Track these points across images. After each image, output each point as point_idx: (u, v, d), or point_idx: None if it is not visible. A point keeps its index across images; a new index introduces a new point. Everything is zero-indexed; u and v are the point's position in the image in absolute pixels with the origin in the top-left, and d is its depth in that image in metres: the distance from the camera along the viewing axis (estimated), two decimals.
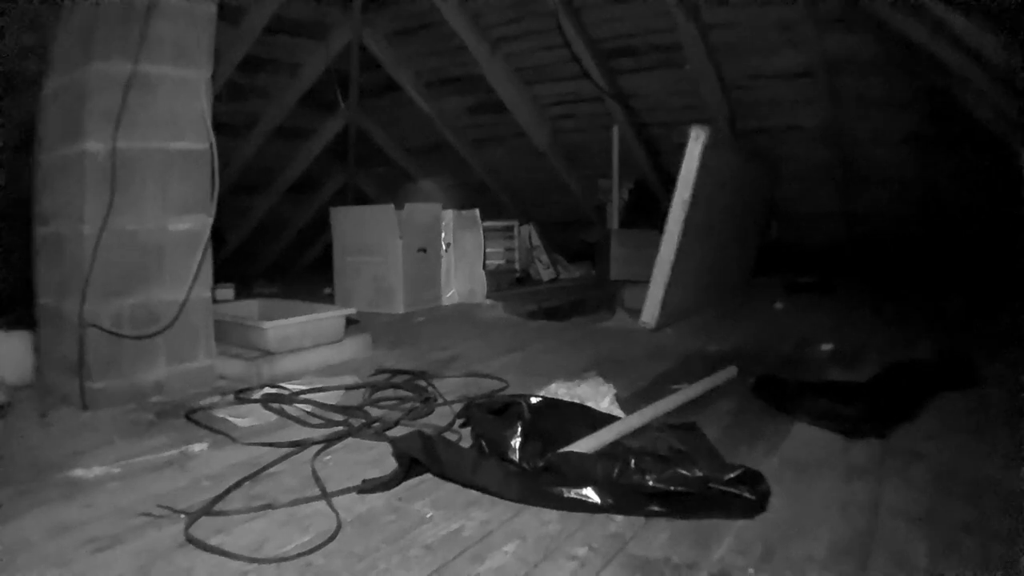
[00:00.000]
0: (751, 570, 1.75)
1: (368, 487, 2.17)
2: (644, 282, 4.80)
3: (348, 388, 3.37)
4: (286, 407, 3.05)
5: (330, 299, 6.26)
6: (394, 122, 8.71)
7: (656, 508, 2.04)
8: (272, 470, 2.38)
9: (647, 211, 7.66)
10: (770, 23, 6.13)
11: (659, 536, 1.93)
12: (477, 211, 6.42)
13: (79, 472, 2.36)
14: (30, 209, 3.51)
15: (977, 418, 3.01)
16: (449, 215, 6.17)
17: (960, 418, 3.01)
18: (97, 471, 2.37)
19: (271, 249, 9.55)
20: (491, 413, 2.55)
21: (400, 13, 7.16)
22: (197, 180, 3.43)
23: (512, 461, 2.22)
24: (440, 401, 3.16)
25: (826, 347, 4.28)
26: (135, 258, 3.24)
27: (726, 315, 5.55)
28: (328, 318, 4.12)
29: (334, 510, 2.02)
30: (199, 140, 3.42)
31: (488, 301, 6.03)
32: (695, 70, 6.63)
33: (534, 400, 2.62)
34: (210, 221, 3.43)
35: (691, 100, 7.03)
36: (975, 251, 7.17)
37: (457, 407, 2.97)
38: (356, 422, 2.83)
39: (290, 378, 3.56)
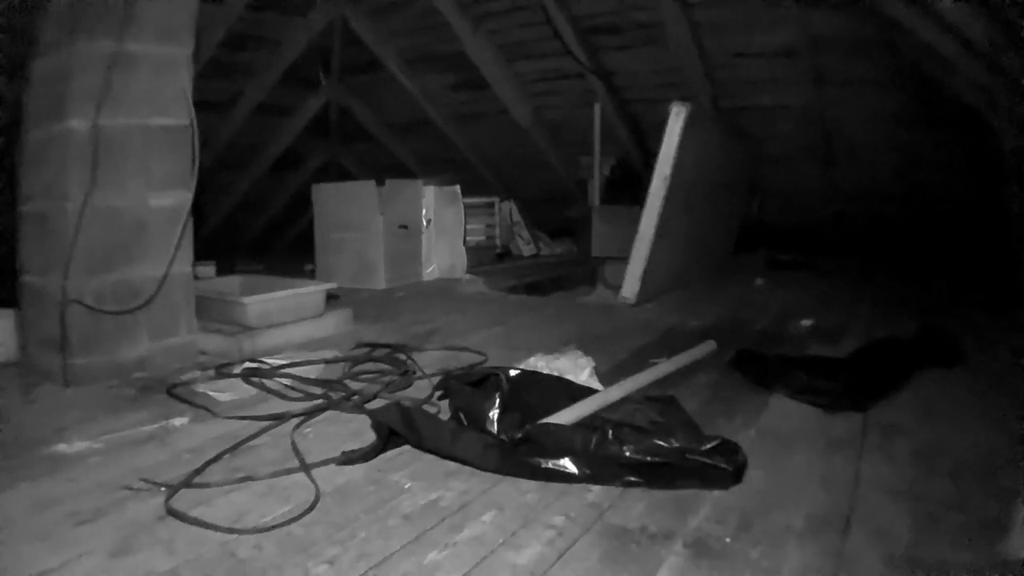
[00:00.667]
0: (728, 539, 1.78)
1: (347, 459, 2.20)
2: (626, 258, 4.82)
3: (328, 362, 3.39)
4: (266, 381, 3.06)
5: (312, 275, 6.26)
6: (376, 99, 8.66)
7: (633, 478, 2.07)
8: (252, 443, 2.39)
9: (629, 188, 7.65)
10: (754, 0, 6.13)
11: (636, 506, 1.96)
12: (458, 187, 6.42)
13: (62, 447, 2.37)
14: (15, 189, 3.50)
15: (960, 395, 3.03)
16: (430, 191, 6.17)
17: (942, 395, 3.03)
18: (79, 446, 2.38)
19: (254, 226, 9.53)
20: (470, 385, 2.57)
21: None
22: (178, 156, 3.42)
23: (490, 433, 2.24)
24: (419, 374, 3.18)
25: (806, 323, 4.31)
26: (117, 234, 3.24)
27: (707, 291, 5.58)
28: (308, 293, 4.13)
29: (313, 481, 2.04)
30: (180, 116, 3.41)
31: (468, 276, 6.05)
32: (678, 48, 6.60)
33: (513, 372, 2.63)
34: (190, 197, 3.43)
35: (673, 78, 6.99)
36: (957, 231, 7.22)
37: (436, 380, 2.98)
38: (336, 395, 2.86)
39: (271, 353, 3.57)
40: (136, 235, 3.30)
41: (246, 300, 3.77)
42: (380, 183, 5.81)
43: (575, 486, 2.06)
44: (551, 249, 8.00)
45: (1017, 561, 1.76)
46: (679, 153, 4.63)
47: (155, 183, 3.35)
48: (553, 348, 3.49)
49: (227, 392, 2.93)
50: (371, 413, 2.45)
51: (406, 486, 2.06)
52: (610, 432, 2.14)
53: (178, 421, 2.61)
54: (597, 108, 7.43)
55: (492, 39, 7.24)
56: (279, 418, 2.59)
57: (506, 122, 8.06)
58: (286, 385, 3.02)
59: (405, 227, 5.88)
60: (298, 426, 2.53)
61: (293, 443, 2.33)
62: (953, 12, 3.58)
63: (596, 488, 2.05)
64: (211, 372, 3.26)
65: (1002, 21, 3.42)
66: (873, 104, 6.60)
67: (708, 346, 3.51)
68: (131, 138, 3.26)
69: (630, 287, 4.77)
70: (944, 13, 3.66)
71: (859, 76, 6.39)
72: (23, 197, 3.43)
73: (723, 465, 2.08)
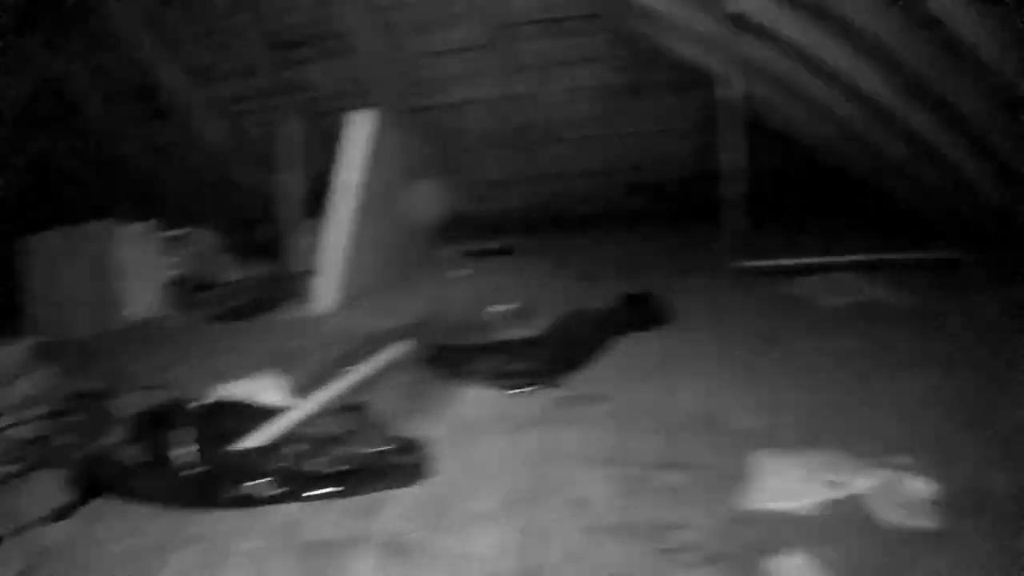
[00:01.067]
0: (419, 533, 1.90)
1: (56, 516, 2.18)
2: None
3: (33, 420, 3.21)
4: None
5: (23, 327, 5.85)
6: (79, 140, 8.19)
7: (327, 490, 2.14)
8: None
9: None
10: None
11: (329, 516, 2.03)
12: (152, 223, 6.18)
13: None
14: None
15: (659, 353, 3.25)
16: (125, 231, 5.91)
17: (638, 357, 3.23)
18: None
19: None
20: (158, 423, 2.56)
21: (79, 30, 6.78)
22: None
23: (178, 468, 2.25)
24: (115, 418, 3.08)
25: (501, 307, 4.46)
26: None
27: (406, 289, 5.59)
28: (12, 353, 3.96)
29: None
30: None
31: (168, 313, 5.83)
32: (370, 53, 6.69)
33: (204, 403, 2.68)
34: None
35: (366, 84, 7.03)
36: (669, 193, 7.71)
37: (130, 423, 2.92)
38: (45, 452, 2.79)
39: None
40: None
41: None
42: (74, 227, 5.53)
43: (271, 507, 2.09)
44: (250, 271, 7.81)
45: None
46: (363, 160, 4.68)
47: None
48: (251, 370, 3.46)
49: None
50: (69, 467, 2.42)
51: (101, 536, 2.04)
52: (300, 448, 2.23)
53: None
54: (293, 124, 7.35)
55: (182, 65, 7.08)
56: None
57: (201, 147, 7.89)
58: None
59: (102, 269, 5.61)
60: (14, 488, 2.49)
61: (10, 507, 2.29)
62: None
63: (294, 506, 2.09)
64: None
65: None
66: (578, 82, 6.93)
67: (405, 346, 3.58)
68: None
69: (326, 297, 4.81)
70: None
71: (559, 58, 6.67)
72: None
73: (408, 463, 2.20)
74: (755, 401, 2.64)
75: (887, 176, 5.84)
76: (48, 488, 2.42)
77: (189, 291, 6.56)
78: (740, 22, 4.37)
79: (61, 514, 2.17)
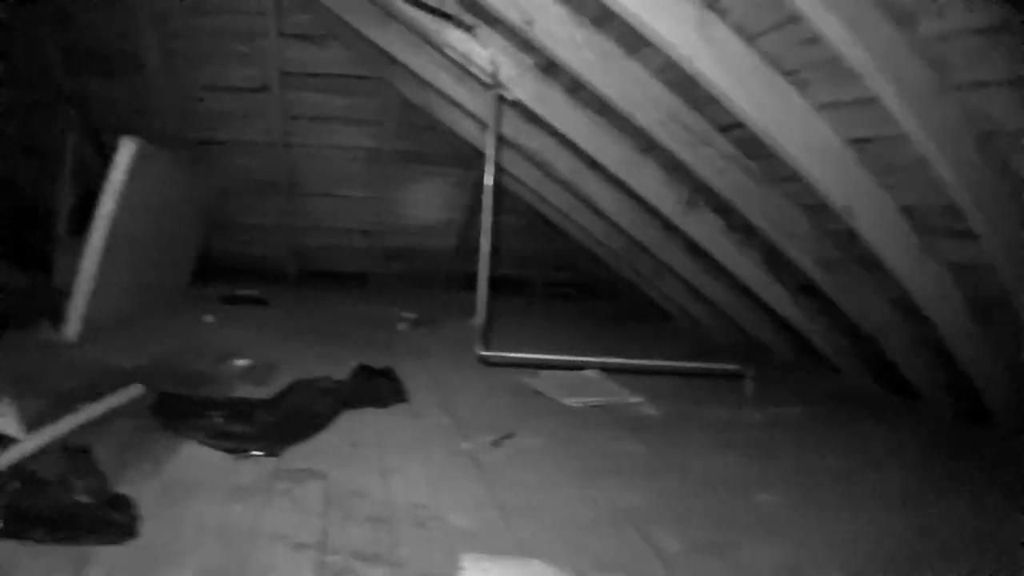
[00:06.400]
0: None
1: None
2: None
3: None
4: None
5: None
6: None
7: (35, 535, 2.10)
8: None
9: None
10: (233, 33, 6.42)
11: (34, 565, 2.00)
12: None
13: None
14: None
15: (390, 436, 3.37)
16: None
17: (368, 436, 3.33)
18: None
19: None
20: None
21: None
22: None
23: None
24: None
25: (242, 362, 4.53)
26: None
27: (154, 327, 5.55)
28: None
29: None
30: None
31: None
32: (153, 78, 6.70)
33: None
34: None
35: (146, 106, 7.06)
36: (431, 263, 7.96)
37: None
38: None
39: None
40: None
41: None
42: None
43: None
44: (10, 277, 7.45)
45: None
46: (126, 188, 4.69)
47: None
48: None
49: None
50: None
51: None
52: (10, 487, 2.22)
53: None
54: (71, 137, 7.19)
55: None
56: None
57: None
58: None
59: None
60: None
61: None
62: None
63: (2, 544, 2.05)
64: None
65: None
66: (348, 140, 7.32)
67: (135, 389, 3.57)
68: None
69: (72, 326, 4.70)
70: None
71: (335, 114, 7.03)
72: None
73: (118, 519, 2.20)
74: (475, 499, 2.74)
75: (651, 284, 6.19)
76: None
77: None
78: (516, 107, 4.64)
79: None
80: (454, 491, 2.80)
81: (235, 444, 3.03)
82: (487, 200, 4.34)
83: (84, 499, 2.25)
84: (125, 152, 4.69)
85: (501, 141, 4.73)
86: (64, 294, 5.95)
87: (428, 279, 8.48)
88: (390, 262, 8.51)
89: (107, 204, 4.66)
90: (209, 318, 6.03)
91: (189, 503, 2.48)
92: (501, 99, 4.39)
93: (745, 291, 5.17)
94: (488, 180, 4.37)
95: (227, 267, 8.00)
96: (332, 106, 7.03)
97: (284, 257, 8.39)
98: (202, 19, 6.35)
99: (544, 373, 4.68)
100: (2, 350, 4.55)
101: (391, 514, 2.52)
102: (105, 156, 7.42)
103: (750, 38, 3.07)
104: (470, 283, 4.95)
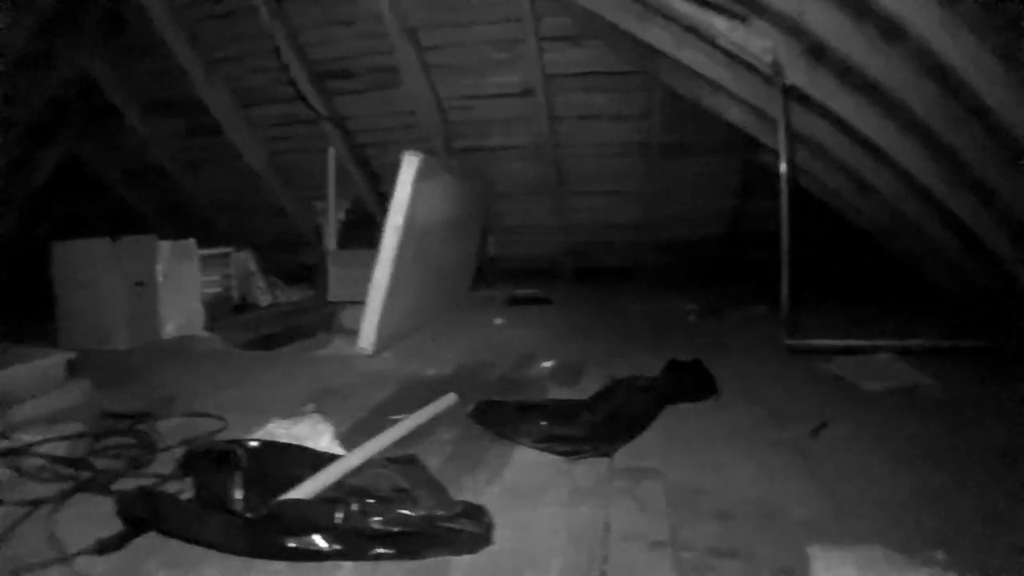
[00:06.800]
0: None
1: (101, 547, 2.06)
2: (362, 302, 4.73)
3: (70, 438, 3.09)
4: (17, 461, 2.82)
5: (55, 336, 5.79)
6: (113, 148, 8.21)
7: (383, 550, 2.01)
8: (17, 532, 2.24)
9: (364, 230, 7.62)
10: (489, 41, 6.27)
11: None
12: (192, 241, 6.10)
13: None
14: None
15: (709, 428, 3.12)
16: (165, 246, 5.81)
17: (690, 431, 3.10)
18: None
19: None
20: (211, 460, 2.42)
21: (125, 38, 6.79)
22: None
23: (235, 512, 2.11)
24: (161, 447, 2.97)
25: (547, 364, 4.34)
26: None
27: (445, 334, 5.51)
28: (48, 364, 3.82)
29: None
30: None
31: (205, 333, 5.75)
32: (411, 91, 6.65)
33: (253, 444, 2.50)
34: None
35: (407, 120, 7.06)
36: (700, 253, 7.66)
37: (179, 452, 2.81)
38: (84, 475, 2.66)
39: (12, 430, 3.22)
40: None
41: None
42: (115, 239, 5.42)
43: (327, 564, 1.99)
44: (288, 296, 7.73)
45: None
46: (412, 201, 4.64)
47: None
48: (292, 408, 3.38)
49: None
50: (116, 499, 2.27)
51: (160, 573, 1.95)
52: (355, 504, 2.07)
53: None
54: (331, 152, 7.37)
55: (226, 84, 7.06)
56: (35, 504, 2.40)
57: (240, 168, 7.87)
58: (37, 467, 2.78)
59: (141, 284, 5.52)
60: (55, 511, 2.34)
61: (52, 533, 2.17)
62: None
63: (347, 565, 1.98)
64: None
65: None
66: (612, 136, 6.92)
67: (449, 398, 3.44)
68: None
69: (367, 337, 4.67)
70: None
71: (597, 111, 6.68)
72: None
73: (471, 529, 2.06)
74: (807, 489, 2.54)
75: (928, 260, 5.76)
76: (87, 516, 2.31)
77: (226, 312, 6.50)
78: (792, 93, 4.31)
79: (108, 546, 2.06)
80: (786, 482, 2.62)
81: (567, 447, 2.86)
82: (783, 188, 4.29)
83: (431, 511, 2.07)
84: (409, 166, 4.65)
85: (782, 128, 4.44)
86: (338, 305, 6.06)
87: (697, 270, 8.13)
88: (662, 254, 8.21)
89: (395, 217, 4.62)
90: (499, 320, 5.96)
91: (535, 507, 2.37)
92: (786, 88, 4.18)
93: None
94: (782, 168, 4.32)
95: (503, 269, 8.00)
96: (596, 104, 6.79)
97: (558, 255, 8.26)
98: (455, 31, 6.26)
99: (838, 359, 4.33)
100: (301, 364, 4.65)
101: (733, 508, 2.38)
102: (368, 170, 7.62)
103: None
104: (739, 270, 4.65)
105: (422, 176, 4.68)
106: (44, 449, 2.95)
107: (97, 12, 6.58)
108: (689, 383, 3.71)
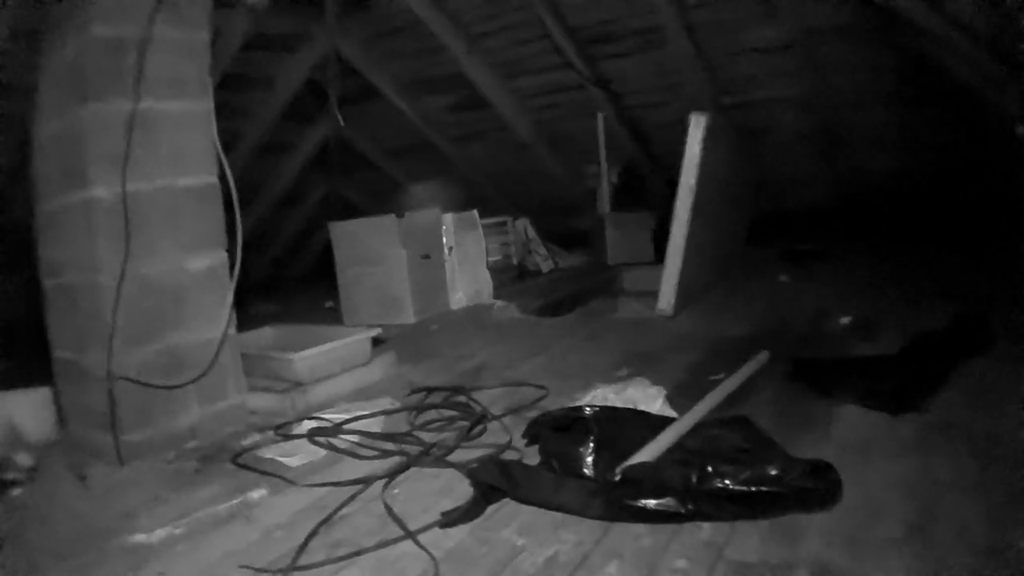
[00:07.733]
0: (842, 560, 1.78)
1: (449, 520, 2.11)
2: (641, 264, 4.78)
3: (389, 413, 3.26)
4: (333, 440, 2.95)
5: (332, 313, 6.20)
6: (375, 127, 8.65)
7: (738, 510, 2.03)
8: (343, 512, 2.29)
9: (636, 193, 7.67)
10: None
11: (749, 540, 1.93)
12: (475, 212, 6.36)
13: (140, 537, 2.23)
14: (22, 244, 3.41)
15: (999, 382, 2.99)
16: (449, 219, 6.09)
17: (982, 382, 3.00)
18: (160, 533, 2.25)
19: (259, 265, 9.43)
20: (556, 428, 2.53)
21: (374, 18, 7.10)
22: (209, 214, 3.33)
23: (588, 477, 2.20)
24: (490, 417, 3.05)
25: (844, 320, 4.24)
26: (153, 302, 3.10)
27: (734, 293, 5.48)
28: (356, 342, 4.01)
29: (425, 549, 1.97)
30: (206, 174, 3.31)
31: (497, 302, 5.96)
32: (676, 50, 6.61)
33: (595, 410, 2.60)
34: (226, 256, 3.36)
35: (673, 80, 7.01)
36: (961, 203, 7.22)
37: (507, 421, 2.94)
38: (412, 450, 2.76)
39: (323, 407, 3.43)
40: (174, 301, 3.18)
41: (295, 356, 3.62)
42: (399, 215, 5.73)
43: (685, 525, 2.01)
44: (567, 261, 7.88)
45: None
46: (702, 161, 4.66)
47: (188, 245, 3.24)
48: (606, 373, 3.47)
49: (295, 456, 2.83)
50: (469, 472, 2.37)
51: (518, 543, 2.00)
52: (708, 466, 2.11)
53: (256, 494, 2.50)
54: (600, 117, 7.43)
55: (487, 58, 7.26)
56: (364, 482, 2.48)
57: (507, 139, 8.13)
58: (354, 443, 2.92)
59: (428, 257, 5.80)
60: (385, 488, 2.43)
61: (389, 508, 2.24)
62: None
63: (705, 525, 2.01)
64: (269, 434, 3.14)
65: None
66: (870, 87, 6.61)
67: (762, 358, 3.43)
68: (158, 201, 3.13)
69: (666, 299, 4.72)
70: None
71: (855, 62, 6.40)
72: (45, 269, 3.31)
73: (821, 486, 2.06)
74: None
75: None
76: (414, 492, 2.41)
77: (509, 279, 6.71)
78: None
79: (460, 517, 2.11)
80: None
81: (888, 403, 2.80)
82: None
83: (777, 471, 2.08)
84: (698, 127, 4.68)
85: None
86: (616, 266, 6.13)
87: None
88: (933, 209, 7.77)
89: (688, 178, 4.67)
90: (784, 277, 5.87)
91: (867, 462, 2.34)
92: None
93: None
94: None
95: (774, 223, 7.77)
96: (848, 56, 6.51)
97: (827, 207, 7.98)
98: None
99: None
100: (601, 328, 4.75)
101: None
102: (638, 132, 7.65)
103: None
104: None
105: (709, 135, 4.69)
106: (358, 426, 3.07)
107: None
108: (974, 335, 3.57)
